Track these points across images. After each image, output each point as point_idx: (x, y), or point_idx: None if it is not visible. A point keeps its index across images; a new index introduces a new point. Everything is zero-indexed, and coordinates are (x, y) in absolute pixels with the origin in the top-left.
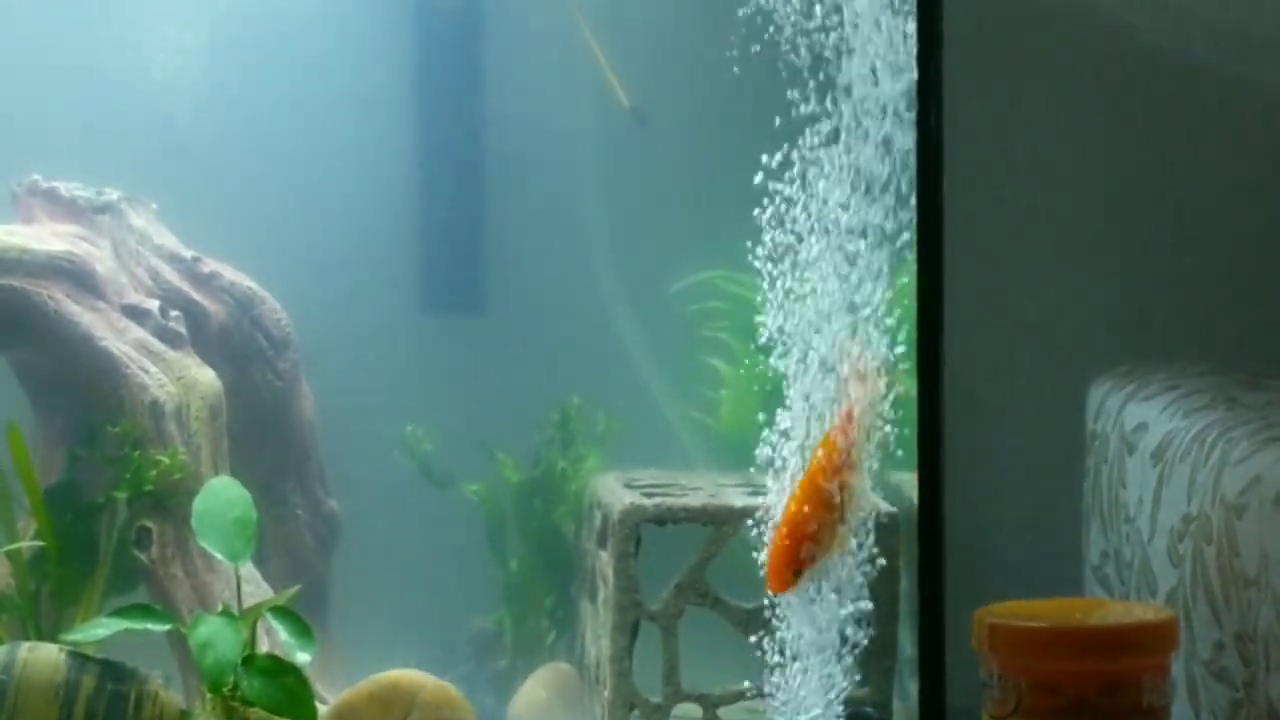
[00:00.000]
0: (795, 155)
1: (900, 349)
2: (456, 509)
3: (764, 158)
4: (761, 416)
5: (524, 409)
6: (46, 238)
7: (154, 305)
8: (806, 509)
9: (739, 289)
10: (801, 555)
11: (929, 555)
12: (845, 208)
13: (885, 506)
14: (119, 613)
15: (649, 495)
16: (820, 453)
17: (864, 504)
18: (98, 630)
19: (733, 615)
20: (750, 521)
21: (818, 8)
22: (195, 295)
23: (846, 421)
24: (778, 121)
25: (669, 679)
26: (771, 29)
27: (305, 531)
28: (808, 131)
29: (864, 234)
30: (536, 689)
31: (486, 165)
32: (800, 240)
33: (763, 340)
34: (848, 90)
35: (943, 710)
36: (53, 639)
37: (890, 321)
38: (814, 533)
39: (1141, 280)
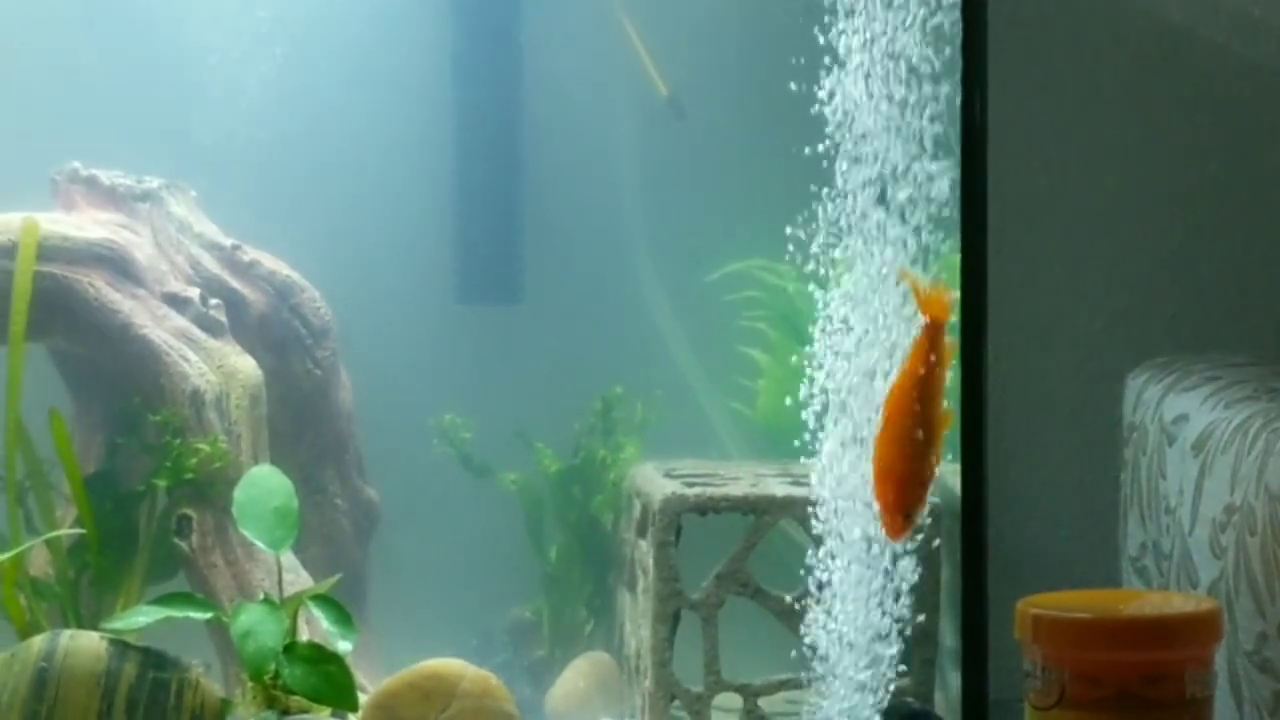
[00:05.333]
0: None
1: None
2: (495, 498)
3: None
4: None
5: (561, 398)
6: (87, 225)
7: (194, 293)
8: (895, 449)
9: (776, 278)
10: (907, 499)
11: (972, 546)
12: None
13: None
14: (160, 601)
15: (690, 484)
16: (899, 383)
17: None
18: (139, 618)
19: (773, 605)
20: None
21: None
22: (235, 283)
23: (929, 341)
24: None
25: (710, 669)
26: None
27: (344, 520)
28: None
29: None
30: (575, 678)
31: (524, 154)
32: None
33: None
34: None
35: (984, 701)
36: (93, 627)
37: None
38: (912, 470)
39: (1180, 271)
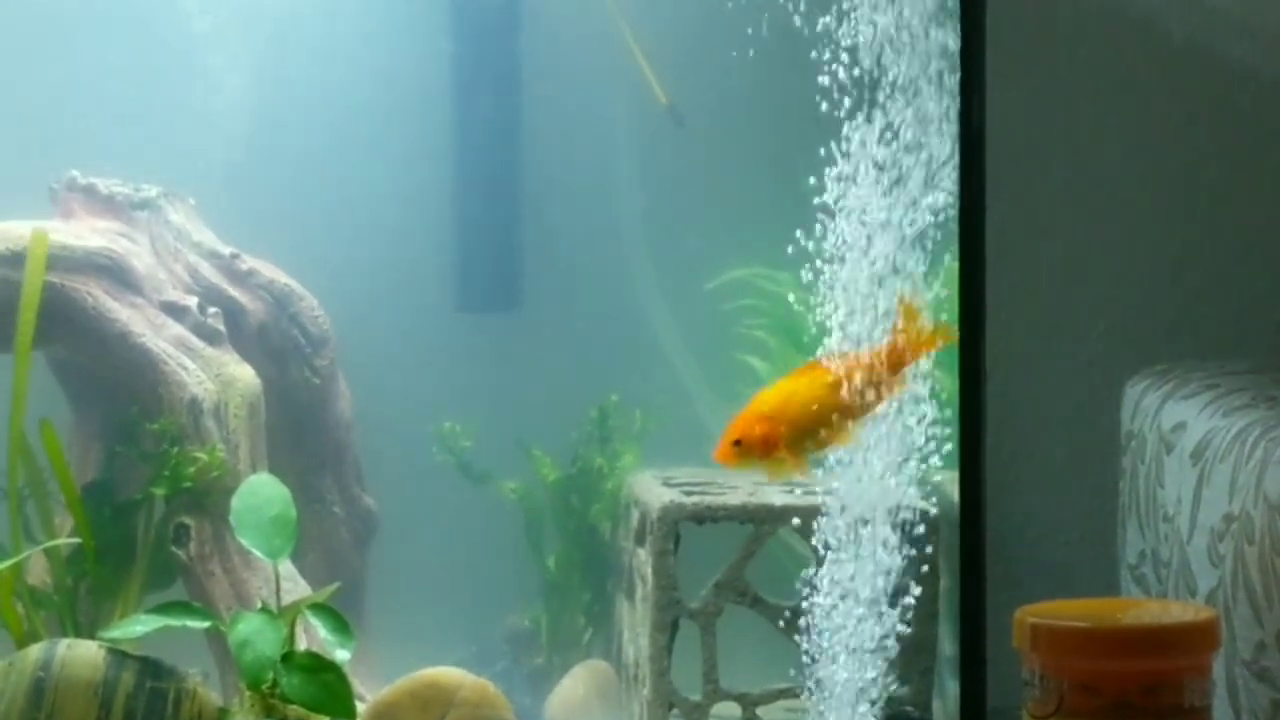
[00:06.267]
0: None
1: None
2: (493, 506)
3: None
4: None
5: (560, 406)
6: (85, 234)
7: (192, 302)
8: (779, 392)
9: (775, 286)
10: (747, 429)
11: (970, 554)
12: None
13: (926, 505)
14: (158, 610)
15: (688, 493)
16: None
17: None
18: (136, 627)
19: (772, 614)
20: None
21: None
22: (233, 292)
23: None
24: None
25: (708, 677)
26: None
27: (342, 528)
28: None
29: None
30: (574, 687)
31: (522, 162)
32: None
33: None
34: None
35: (982, 710)
36: (91, 636)
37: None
38: (774, 414)
39: (1177, 278)
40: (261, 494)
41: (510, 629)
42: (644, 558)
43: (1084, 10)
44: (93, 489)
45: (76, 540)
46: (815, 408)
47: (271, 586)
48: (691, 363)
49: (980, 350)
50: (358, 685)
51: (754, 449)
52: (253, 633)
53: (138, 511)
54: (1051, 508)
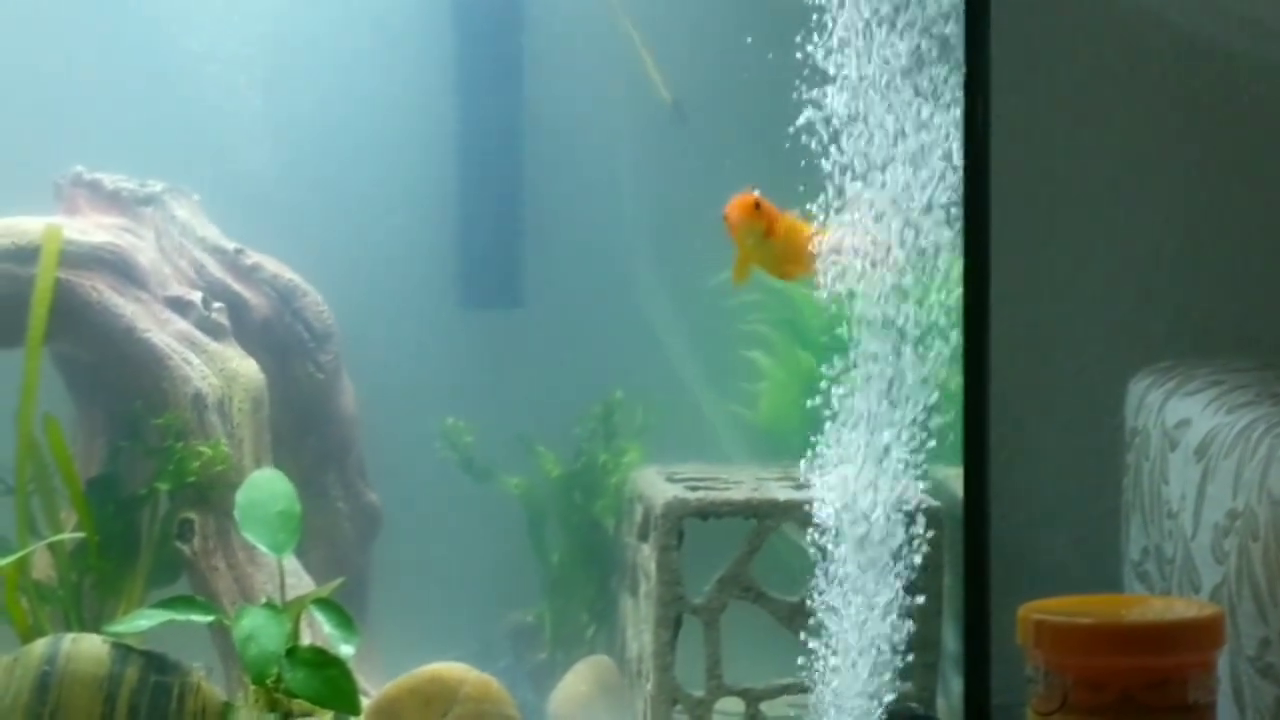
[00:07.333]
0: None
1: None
2: (497, 502)
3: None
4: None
5: (563, 402)
6: (90, 229)
7: (197, 297)
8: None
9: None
10: (769, 205)
11: (974, 551)
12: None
13: (929, 501)
14: (162, 604)
15: (692, 489)
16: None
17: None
18: (141, 622)
19: (776, 609)
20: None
21: None
22: (238, 287)
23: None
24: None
25: (712, 673)
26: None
27: (346, 524)
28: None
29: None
30: (577, 683)
31: (525, 158)
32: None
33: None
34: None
35: (986, 706)
36: (95, 630)
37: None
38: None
39: (1181, 275)
40: (266, 489)
41: (513, 625)
42: (647, 553)
43: (1087, 8)
44: (97, 484)
45: (81, 535)
46: (801, 240)
47: (276, 581)
48: (695, 358)
49: (985, 347)
50: (361, 680)
51: (765, 219)
52: (257, 627)
53: (142, 507)
54: (1055, 504)
